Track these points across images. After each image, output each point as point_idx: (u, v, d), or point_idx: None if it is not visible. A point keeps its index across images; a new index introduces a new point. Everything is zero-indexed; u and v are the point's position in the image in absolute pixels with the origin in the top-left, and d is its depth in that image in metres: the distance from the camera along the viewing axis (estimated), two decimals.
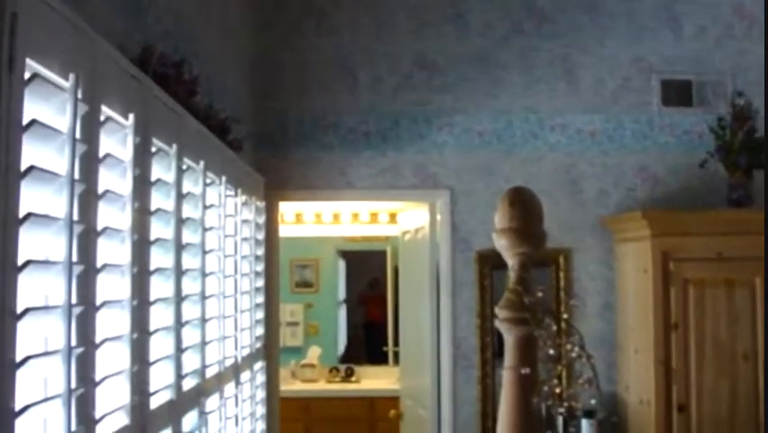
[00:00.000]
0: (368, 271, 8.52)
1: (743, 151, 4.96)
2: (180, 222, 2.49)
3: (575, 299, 5.18)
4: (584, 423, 4.09)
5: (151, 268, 2.20)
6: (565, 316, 1.74)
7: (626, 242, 5.19)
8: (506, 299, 1.87)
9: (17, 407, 1.40)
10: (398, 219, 6.70)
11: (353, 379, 8.00)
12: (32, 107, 1.50)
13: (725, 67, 5.54)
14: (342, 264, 8.48)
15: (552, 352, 1.75)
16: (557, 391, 1.77)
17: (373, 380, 7.96)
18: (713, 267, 4.76)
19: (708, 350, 4.74)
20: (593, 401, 1.79)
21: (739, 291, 4.76)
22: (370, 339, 8.52)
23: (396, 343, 7.65)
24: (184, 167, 2.57)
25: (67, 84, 1.65)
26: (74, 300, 1.64)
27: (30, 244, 1.48)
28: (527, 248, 1.92)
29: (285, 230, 6.07)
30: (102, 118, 1.85)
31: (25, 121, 1.45)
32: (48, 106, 1.59)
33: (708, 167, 5.08)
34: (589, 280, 5.38)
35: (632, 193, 5.44)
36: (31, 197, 1.49)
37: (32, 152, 1.50)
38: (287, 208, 7.25)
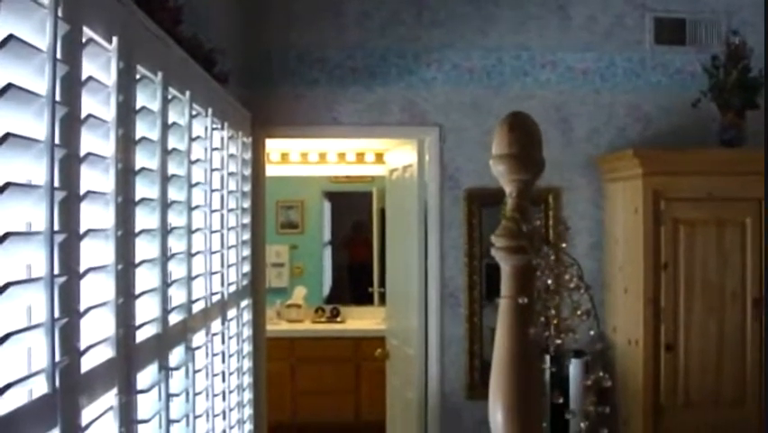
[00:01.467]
0: (353, 212, 8.49)
1: (736, 90, 4.89)
2: (166, 152, 2.43)
3: (567, 231, 5.13)
4: (573, 362, 4.08)
5: (136, 198, 2.14)
6: (563, 245, 1.69)
7: (616, 181, 5.15)
8: (503, 227, 1.82)
9: None
10: (386, 158, 6.64)
11: (339, 319, 8.02)
12: (8, 23, 1.43)
13: (719, 5, 5.45)
14: (327, 206, 8.44)
15: (549, 282, 1.71)
16: (554, 322, 1.73)
17: (359, 320, 7.97)
18: (704, 207, 4.73)
19: (698, 290, 4.73)
20: (592, 332, 1.75)
21: (729, 232, 4.74)
22: (355, 280, 8.52)
23: (381, 283, 7.65)
24: (169, 96, 2.50)
25: (46, 1, 1.56)
26: (56, 228, 1.57)
27: (8, 166, 1.42)
28: (527, 175, 1.86)
29: (271, 170, 6.00)
30: (84, 40, 1.77)
31: (1, 37, 1.38)
32: (25, 24, 1.51)
33: (701, 106, 5.01)
34: (579, 219, 5.34)
35: (623, 132, 5.38)
36: (9, 117, 1.42)
37: (8, 70, 1.43)
38: (272, 147, 7.17)
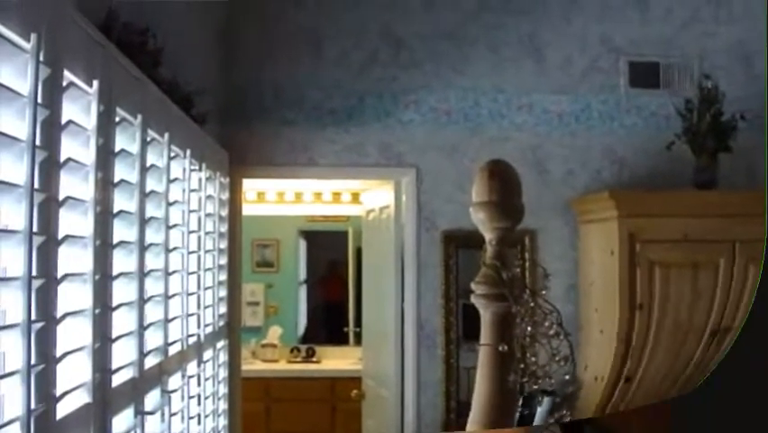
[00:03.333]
0: (329, 251, 8.46)
1: (709, 133, 4.95)
2: (144, 195, 2.42)
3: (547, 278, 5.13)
4: (546, 400, 4.09)
5: (114, 241, 2.13)
6: (543, 292, 1.70)
7: (591, 223, 5.17)
8: (483, 275, 1.82)
9: None
10: (362, 199, 6.64)
11: (314, 359, 7.96)
12: None
13: (691, 50, 5.52)
14: (303, 245, 8.42)
15: (529, 329, 1.71)
16: (533, 369, 1.73)
17: (334, 360, 7.92)
18: (679, 249, 4.75)
19: (668, 330, 4.73)
20: (567, 377, 1.75)
21: (703, 273, 4.76)
22: (330, 320, 8.47)
23: (357, 323, 7.62)
24: (148, 139, 2.50)
25: (28, 45, 1.57)
26: (34, 273, 1.56)
27: None
28: (507, 222, 1.87)
29: (246, 209, 5.97)
30: (64, 83, 1.77)
31: None
32: (7, 67, 1.51)
33: (675, 149, 5.06)
34: (555, 261, 5.32)
35: (599, 174, 5.41)
36: None
37: None
38: (249, 186, 7.15)
